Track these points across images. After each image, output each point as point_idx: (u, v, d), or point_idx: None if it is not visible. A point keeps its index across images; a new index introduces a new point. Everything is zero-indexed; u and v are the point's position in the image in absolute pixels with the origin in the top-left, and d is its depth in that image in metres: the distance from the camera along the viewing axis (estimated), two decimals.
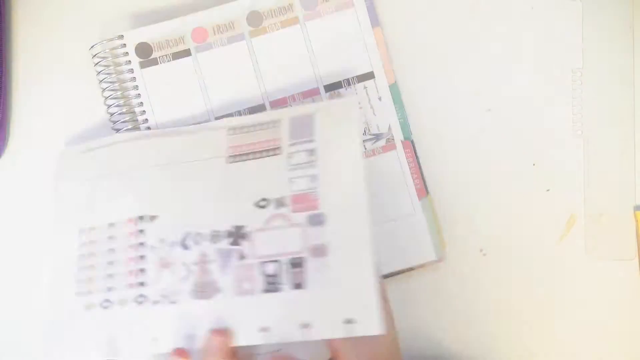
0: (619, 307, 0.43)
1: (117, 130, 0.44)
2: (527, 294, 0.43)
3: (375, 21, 0.43)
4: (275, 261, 0.36)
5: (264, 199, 0.38)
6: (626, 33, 0.44)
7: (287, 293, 0.36)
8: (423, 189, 0.43)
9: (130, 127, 0.44)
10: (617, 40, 0.44)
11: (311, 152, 0.38)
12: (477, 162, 0.44)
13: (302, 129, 0.39)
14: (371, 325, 0.34)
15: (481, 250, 0.44)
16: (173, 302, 0.38)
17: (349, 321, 0.34)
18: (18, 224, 0.45)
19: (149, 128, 0.44)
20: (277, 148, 0.39)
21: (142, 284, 0.39)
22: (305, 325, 0.35)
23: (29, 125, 0.46)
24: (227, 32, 0.43)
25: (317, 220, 0.36)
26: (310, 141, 0.38)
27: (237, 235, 0.37)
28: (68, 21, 0.46)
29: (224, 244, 0.37)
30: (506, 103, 0.44)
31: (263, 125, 0.40)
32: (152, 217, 0.39)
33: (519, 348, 0.44)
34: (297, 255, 0.36)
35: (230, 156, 0.40)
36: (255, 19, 0.43)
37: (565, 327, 0.43)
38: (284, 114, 0.40)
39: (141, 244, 0.39)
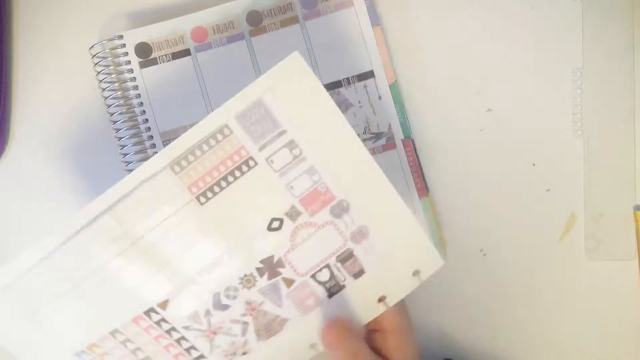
0: (619, 307, 0.43)
1: (117, 130, 0.44)
2: (527, 294, 0.43)
3: (375, 20, 0.43)
4: (325, 266, 0.35)
5: (274, 220, 0.34)
6: (626, 33, 0.44)
7: (351, 286, 0.35)
8: (423, 188, 0.43)
9: (130, 126, 0.44)
10: (617, 40, 0.44)
11: (290, 144, 0.33)
12: (477, 162, 0.44)
13: (261, 124, 0.32)
14: (435, 261, 0.35)
15: (481, 250, 0.44)
16: (245, 353, 0.35)
17: (416, 272, 0.35)
18: (18, 224, 0.45)
19: (149, 128, 0.44)
20: (249, 160, 0.33)
21: (201, 356, 0.35)
22: (381, 299, 0.35)
23: (29, 125, 0.46)
24: (227, 32, 0.43)
25: (340, 210, 0.34)
26: (281, 133, 0.32)
27: (271, 268, 0.34)
28: (68, 21, 0.46)
29: (264, 282, 0.34)
30: (506, 103, 0.44)
31: (210, 141, 0.32)
32: (163, 303, 0.34)
33: (519, 348, 0.44)
34: (342, 251, 0.35)
35: (198, 196, 0.33)
36: (255, 19, 0.43)
37: (565, 327, 0.43)
38: (226, 114, 0.32)
39: (171, 329, 0.35)
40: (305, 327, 0.36)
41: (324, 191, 0.34)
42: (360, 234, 0.35)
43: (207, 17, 0.43)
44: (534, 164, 0.44)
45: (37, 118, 0.46)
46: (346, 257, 0.35)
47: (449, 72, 0.44)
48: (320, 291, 0.35)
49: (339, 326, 0.35)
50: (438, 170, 0.44)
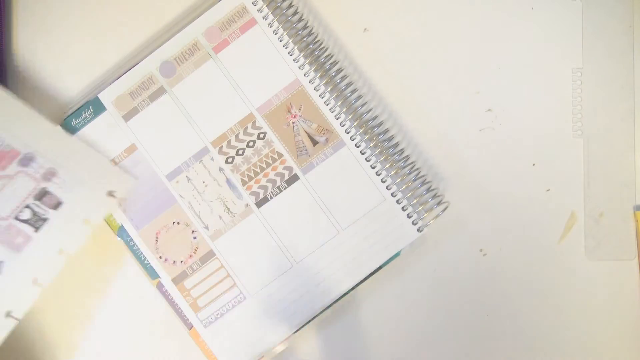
0: (619, 307, 0.43)
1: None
2: (527, 294, 0.43)
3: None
4: (26, 207, 0.41)
5: None
6: (626, 33, 0.44)
7: (54, 217, 0.41)
8: None
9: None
10: (617, 40, 0.44)
11: None
12: (477, 162, 0.44)
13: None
14: (126, 181, 0.43)
15: (481, 250, 0.44)
16: None
17: (110, 193, 0.42)
18: None
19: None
20: None
21: None
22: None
23: None
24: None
25: (28, 160, 0.41)
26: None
27: None
28: (68, 21, 0.46)
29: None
30: (506, 103, 0.44)
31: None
32: None
33: (519, 348, 0.44)
34: (37, 191, 0.41)
35: None
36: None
37: (565, 326, 0.43)
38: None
39: None
40: (22, 263, 0.40)
41: (8, 150, 0.41)
42: (50, 173, 0.41)
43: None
44: (534, 164, 0.44)
45: None
46: (42, 194, 0.41)
47: (449, 73, 0.44)
48: (27, 228, 0.41)
49: None
50: (438, 169, 0.44)
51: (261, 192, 0.43)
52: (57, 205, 0.41)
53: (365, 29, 0.44)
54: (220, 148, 0.43)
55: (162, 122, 0.43)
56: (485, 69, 0.44)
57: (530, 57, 0.44)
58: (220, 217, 0.43)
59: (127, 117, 0.43)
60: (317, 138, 0.43)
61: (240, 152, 0.43)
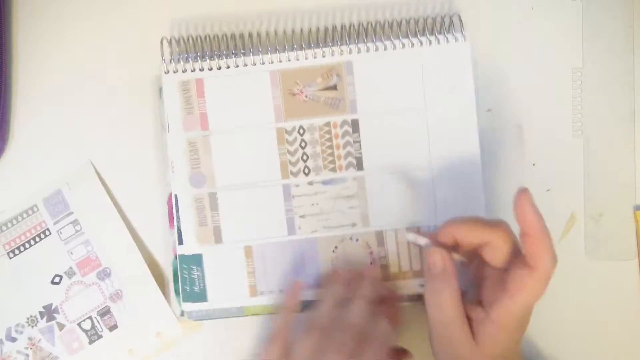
0: (619, 307, 0.43)
1: None
2: None
3: None
4: (88, 317, 0.44)
5: (56, 276, 0.44)
6: (626, 33, 0.44)
7: (106, 337, 0.44)
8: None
9: None
10: (617, 40, 0.44)
11: (74, 223, 0.44)
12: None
13: (58, 207, 0.45)
14: (173, 327, 0.44)
15: None
16: None
17: (158, 334, 0.44)
18: None
19: None
20: (46, 230, 0.44)
21: None
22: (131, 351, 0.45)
23: (29, 125, 0.46)
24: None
25: (104, 274, 0.44)
26: (70, 214, 0.44)
27: (49, 313, 0.44)
28: (68, 22, 0.46)
29: (43, 323, 0.44)
30: (506, 103, 0.44)
31: (23, 215, 0.45)
32: None
33: None
34: (102, 307, 0.44)
35: (9, 252, 0.44)
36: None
37: (565, 326, 0.43)
38: (36, 198, 0.45)
39: None
40: None
41: (94, 259, 0.44)
42: (117, 295, 0.44)
43: None
44: (533, 164, 0.44)
45: (37, 118, 0.46)
46: (104, 313, 0.44)
47: None
48: (83, 337, 0.44)
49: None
50: None
51: None
52: (113, 327, 0.44)
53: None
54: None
55: None
56: (485, 70, 0.44)
57: (530, 57, 0.44)
58: None
59: None
60: None
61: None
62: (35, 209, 0.45)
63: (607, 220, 0.43)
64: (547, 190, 0.44)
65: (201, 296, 0.43)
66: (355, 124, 0.43)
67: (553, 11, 0.44)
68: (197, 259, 0.43)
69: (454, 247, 0.37)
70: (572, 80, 0.44)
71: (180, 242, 0.43)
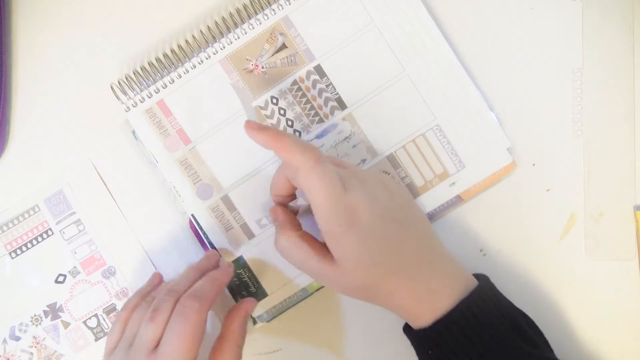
0: (619, 307, 0.43)
1: None
2: (527, 294, 0.43)
3: None
4: (94, 315, 0.45)
5: (60, 275, 0.45)
6: (626, 33, 0.44)
7: None
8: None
9: None
10: (617, 40, 0.44)
11: (77, 222, 0.44)
12: None
13: (60, 206, 0.45)
14: None
15: (481, 250, 0.44)
16: None
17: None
18: None
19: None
20: (48, 230, 0.45)
21: None
22: None
23: (29, 125, 0.46)
24: None
25: (109, 273, 0.45)
26: (72, 213, 0.44)
27: (53, 311, 0.44)
28: (67, 22, 0.46)
29: (47, 322, 0.45)
30: (506, 103, 0.44)
31: (24, 215, 0.45)
32: None
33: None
34: (108, 305, 0.45)
35: (11, 252, 0.45)
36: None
37: (565, 326, 0.43)
38: (37, 198, 0.45)
39: None
40: None
41: (98, 258, 0.45)
42: (122, 293, 0.45)
43: None
44: (533, 164, 0.44)
45: (37, 118, 0.46)
46: (110, 310, 0.45)
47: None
48: (89, 335, 0.45)
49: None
50: None
51: None
52: None
53: None
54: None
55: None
56: (485, 69, 0.44)
57: (530, 57, 0.44)
58: None
59: None
60: None
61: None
62: (36, 209, 0.45)
63: (607, 220, 0.43)
64: (547, 190, 0.44)
65: (260, 294, 0.43)
66: (319, 70, 0.43)
67: (553, 11, 0.44)
68: (240, 262, 0.43)
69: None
70: (572, 80, 0.44)
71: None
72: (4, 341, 0.45)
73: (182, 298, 0.37)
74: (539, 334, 0.38)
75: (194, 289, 0.38)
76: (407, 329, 0.38)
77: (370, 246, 0.35)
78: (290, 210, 0.41)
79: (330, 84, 0.43)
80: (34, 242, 0.45)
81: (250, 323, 0.44)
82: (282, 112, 0.43)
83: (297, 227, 0.39)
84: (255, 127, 0.37)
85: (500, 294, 0.38)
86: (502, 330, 0.36)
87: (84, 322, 0.45)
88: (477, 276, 0.39)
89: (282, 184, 0.38)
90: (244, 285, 0.43)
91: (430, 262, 0.37)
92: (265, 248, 0.43)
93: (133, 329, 0.37)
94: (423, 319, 0.36)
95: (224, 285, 0.40)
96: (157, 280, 0.43)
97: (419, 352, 0.38)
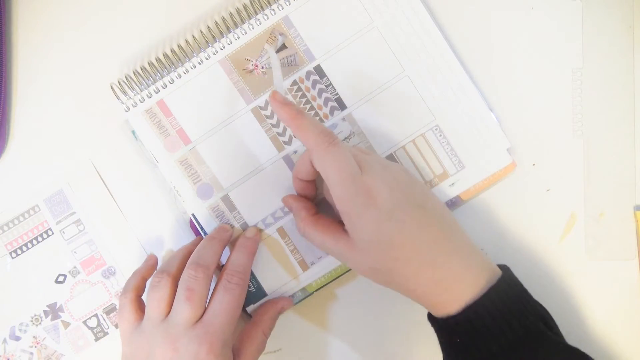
0: (619, 307, 0.43)
1: None
2: None
3: None
4: (94, 315, 0.45)
5: (60, 275, 0.45)
6: (626, 33, 0.44)
7: (112, 334, 0.45)
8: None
9: None
10: (617, 40, 0.44)
11: (77, 222, 0.44)
12: None
13: (60, 206, 0.45)
14: None
15: (481, 250, 0.44)
16: None
17: None
18: None
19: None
20: (48, 230, 0.45)
21: None
22: None
23: (29, 125, 0.46)
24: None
25: (109, 273, 0.45)
26: (72, 213, 0.44)
27: (53, 311, 0.45)
28: (67, 22, 0.46)
29: (48, 322, 0.45)
30: (506, 103, 0.44)
31: (24, 215, 0.45)
32: None
33: None
34: (108, 305, 0.45)
35: (11, 252, 0.45)
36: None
37: (565, 326, 0.43)
38: (37, 198, 0.45)
39: None
40: None
41: (98, 258, 0.45)
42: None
43: None
44: (533, 164, 0.44)
45: (37, 118, 0.46)
46: (110, 310, 0.45)
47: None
48: (89, 335, 0.45)
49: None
50: None
51: None
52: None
53: None
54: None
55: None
56: (485, 69, 0.44)
57: (530, 57, 0.44)
58: None
59: None
60: None
61: None
62: (36, 209, 0.45)
63: (607, 220, 0.43)
64: (547, 190, 0.44)
65: (259, 294, 0.43)
66: (319, 70, 0.43)
67: (553, 11, 0.44)
68: None
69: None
70: (572, 80, 0.44)
71: None
72: (4, 341, 0.45)
73: (226, 274, 0.39)
74: (556, 325, 0.38)
75: (235, 265, 0.40)
76: (431, 317, 0.38)
77: (385, 228, 0.35)
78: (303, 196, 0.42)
79: (330, 84, 0.43)
80: (34, 242, 0.45)
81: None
82: None
83: (312, 210, 0.40)
84: (280, 100, 0.38)
85: (523, 286, 0.38)
86: (531, 319, 0.35)
87: (84, 322, 0.45)
88: (500, 266, 0.39)
89: (305, 168, 0.39)
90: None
91: (453, 250, 0.36)
92: (265, 248, 0.43)
93: (157, 309, 0.38)
94: (445, 307, 0.36)
95: (255, 254, 0.42)
96: (152, 262, 0.43)
97: (443, 340, 0.37)
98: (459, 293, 0.36)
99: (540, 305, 0.38)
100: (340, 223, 0.38)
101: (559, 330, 0.38)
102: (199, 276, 0.38)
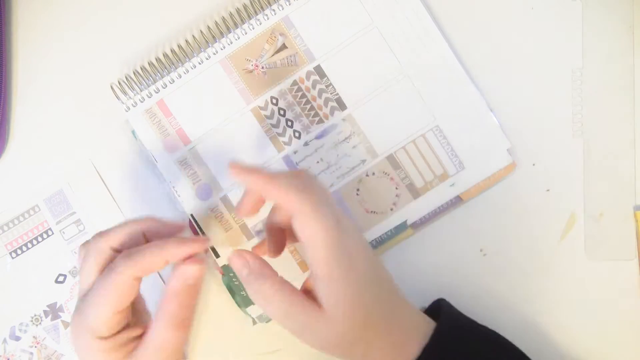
0: (619, 307, 0.43)
1: None
2: (527, 294, 0.43)
3: None
4: None
5: (60, 275, 0.45)
6: (626, 33, 0.43)
7: None
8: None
9: None
10: (617, 40, 0.44)
11: (77, 222, 0.44)
12: None
13: (60, 206, 0.45)
14: None
15: (481, 250, 0.44)
16: None
17: None
18: None
19: None
20: (48, 230, 0.45)
21: None
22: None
23: (29, 125, 0.46)
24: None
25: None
26: (72, 213, 0.44)
27: (53, 311, 0.45)
28: (67, 22, 0.46)
29: (48, 322, 0.45)
30: (506, 103, 0.44)
31: (24, 215, 0.45)
32: None
33: (519, 347, 0.44)
34: None
35: (11, 252, 0.45)
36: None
37: (565, 326, 0.43)
38: (37, 198, 0.45)
39: None
40: None
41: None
42: None
43: None
44: (533, 164, 0.44)
45: (37, 118, 0.46)
46: None
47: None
48: None
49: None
50: None
51: None
52: None
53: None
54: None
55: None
56: (485, 69, 0.44)
57: (530, 57, 0.44)
58: None
59: None
60: None
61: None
62: (36, 209, 0.45)
63: (607, 220, 0.43)
64: (547, 190, 0.44)
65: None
66: (319, 70, 0.43)
67: (553, 11, 0.44)
68: None
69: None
70: (572, 80, 0.44)
71: (217, 256, 0.43)
72: (4, 341, 0.45)
73: (117, 258, 0.34)
74: (509, 344, 0.38)
75: (129, 251, 0.34)
76: None
77: (364, 292, 0.33)
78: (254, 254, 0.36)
79: (330, 84, 0.43)
80: (34, 242, 0.45)
81: (250, 323, 0.44)
82: (281, 112, 0.43)
83: (274, 271, 0.35)
84: (241, 169, 0.34)
85: (463, 317, 0.38)
86: (476, 348, 0.36)
87: None
88: (436, 303, 0.39)
89: (253, 208, 0.36)
90: (242, 284, 0.43)
91: (394, 310, 0.35)
92: None
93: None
94: None
95: (172, 261, 0.35)
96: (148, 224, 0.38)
97: None
98: (405, 356, 0.35)
99: (486, 330, 0.38)
100: (301, 290, 0.35)
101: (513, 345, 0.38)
102: (92, 251, 0.35)
